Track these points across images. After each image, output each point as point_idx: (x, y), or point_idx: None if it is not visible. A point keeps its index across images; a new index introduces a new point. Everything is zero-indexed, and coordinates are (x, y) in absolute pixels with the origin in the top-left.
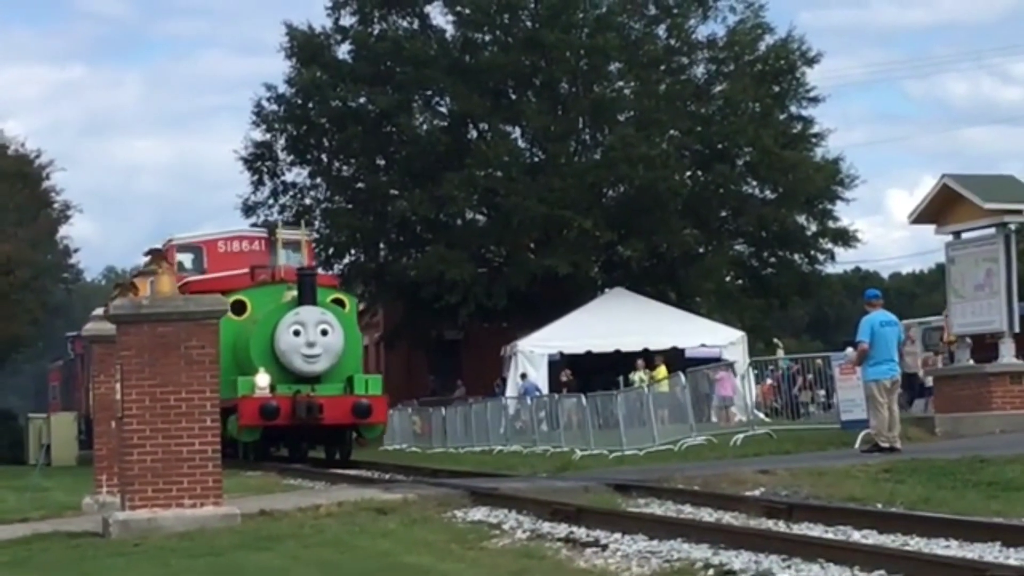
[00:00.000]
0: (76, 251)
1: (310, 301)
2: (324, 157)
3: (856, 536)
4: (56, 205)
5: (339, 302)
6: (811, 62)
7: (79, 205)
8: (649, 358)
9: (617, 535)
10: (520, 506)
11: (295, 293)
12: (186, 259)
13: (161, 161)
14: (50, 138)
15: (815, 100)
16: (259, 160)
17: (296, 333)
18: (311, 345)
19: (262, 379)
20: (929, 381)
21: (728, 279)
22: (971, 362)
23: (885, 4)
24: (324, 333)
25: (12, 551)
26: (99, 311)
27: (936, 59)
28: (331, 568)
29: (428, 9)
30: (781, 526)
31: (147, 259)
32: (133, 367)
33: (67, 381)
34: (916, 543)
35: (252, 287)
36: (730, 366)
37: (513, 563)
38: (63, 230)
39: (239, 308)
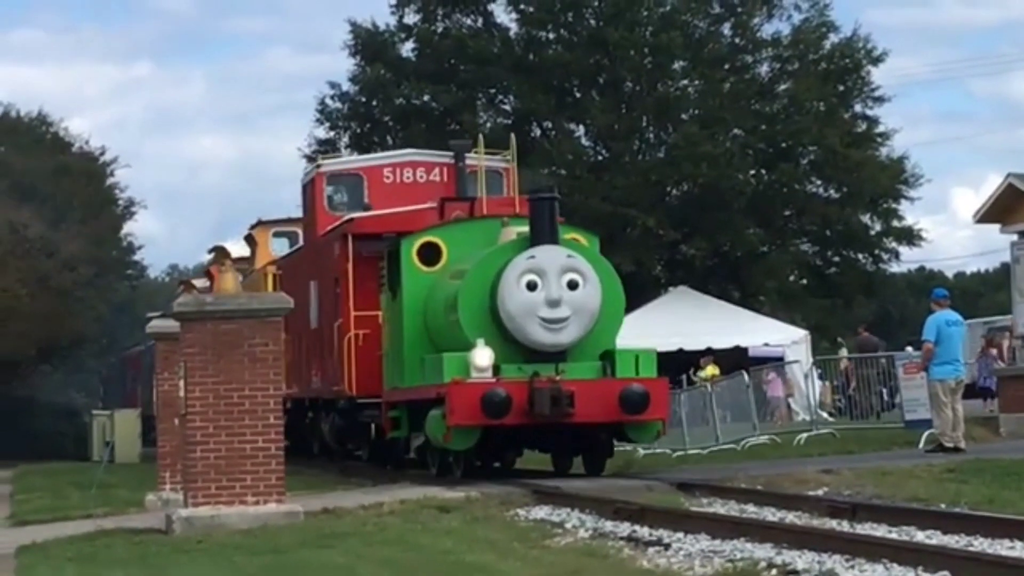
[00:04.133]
0: (140, 248)
1: (550, 239)
2: None
3: (920, 536)
4: (120, 202)
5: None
6: (876, 61)
7: (143, 202)
8: (717, 357)
9: (680, 534)
10: (582, 505)
11: (518, 231)
12: (339, 192)
13: (225, 158)
14: (115, 135)
15: (880, 99)
16: (323, 157)
17: (531, 286)
18: (555, 304)
19: (481, 356)
20: None
21: (792, 278)
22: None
23: (953, 3)
24: (573, 286)
25: (77, 547)
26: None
27: (1003, 58)
28: (394, 566)
29: (492, 7)
30: (844, 526)
31: (211, 256)
32: (197, 364)
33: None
34: (980, 544)
35: (447, 225)
36: (781, 367)
37: (575, 562)
38: (127, 227)
39: (430, 255)
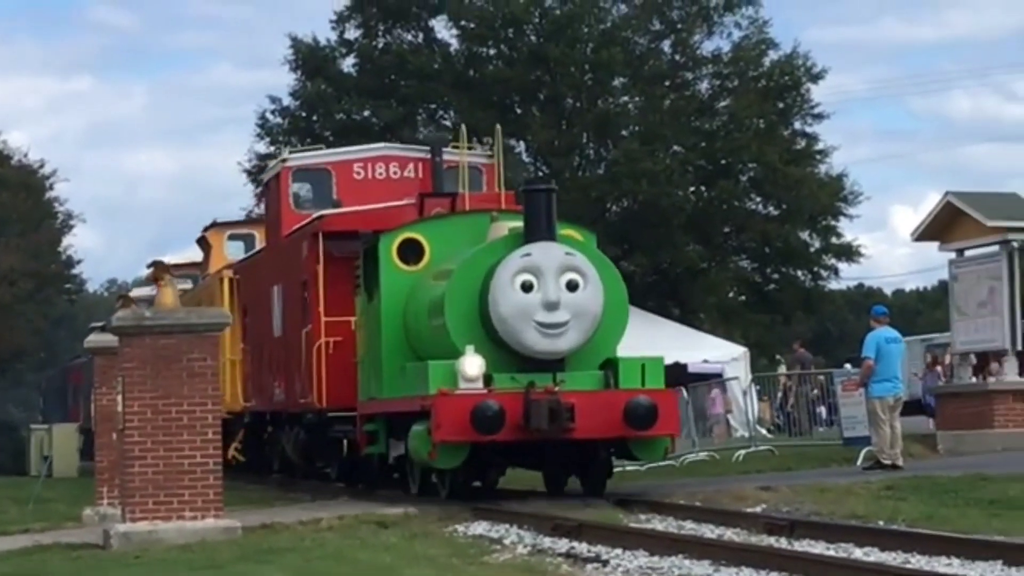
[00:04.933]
0: (79, 262)
1: (547, 235)
2: None
3: (858, 553)
4: (59, 216)
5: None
6: (816, 78)
7: (82, 215)
8: None
9: (618, 551)
10: (521, 521)
11: (510, 226)
12: (304, 188)
13: (165, 173)
14: (54, 149)
15: (820, 116)
16: (263, 172)
17: (527, 287)
18: (552, 307)
19: (471, 365)
20: None
21: (731, 295)
22: (973, 379)
23: (892, 21)
24: (572, 287)
25: (13, 562)
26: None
27: (942, 76)
28: None
29: (432, 23)
30: (783, 543)
31: (150, 271)
32: (135, 379)
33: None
34: (918, 561)
35: (429, 220)
36: (720, 384)
37: None
38: (66, 241)
39: (411, 253)
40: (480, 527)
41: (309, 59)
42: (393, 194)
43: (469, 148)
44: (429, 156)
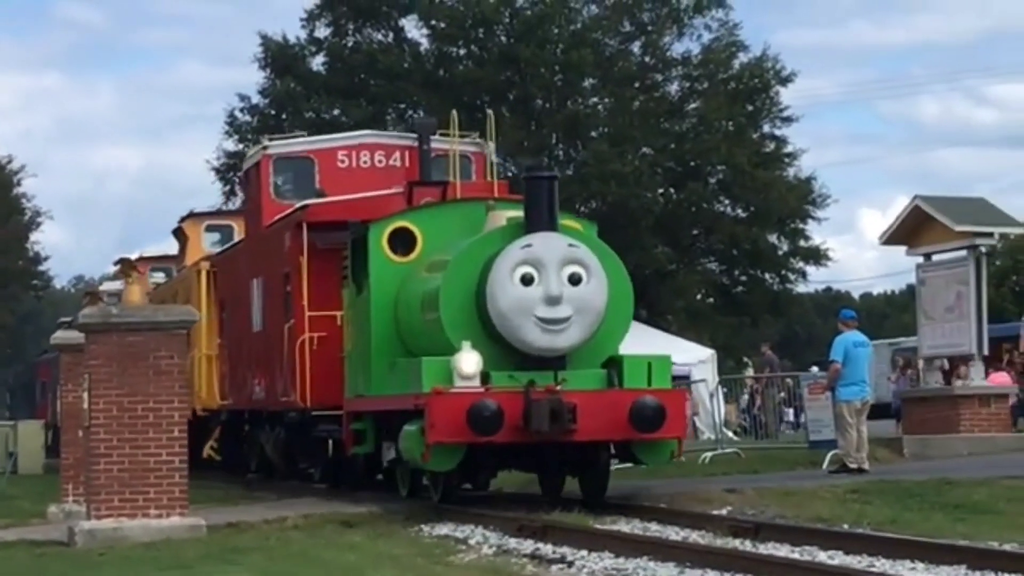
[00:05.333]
0: (46, 258)
1: (549, 225)
2: None
3: (822, 557)
4: (27, 212)
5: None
6: (785, 81)
7: (49, 212)
8: None
9: (583, 552)
10: (486, 521)
11: (508, 216)
12: (285, 178)
13: (133, 170)
14: (22, 145)
15: (789, 119)
16: (231, 170)
17: (527, 280)
18: (554, 301)
19: (468, 362)
20: None
21: (699, 297)
22: (939, 384)
23: (863, 24)
24: (576, 280)
25: None
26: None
27: (912, 80)
28: None
29: (403, 23)
30: (748, 546)
31: (117, 268)
32: (101, 376)
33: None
34: (882, 565)
35: (422, 209)
36: (687, 386)
37: None
38: (33, 237)
39: (403, 243)
40: (445, 527)
41: (279, 57)
42: (378, 183)
43: (462, 136)
44: (416, 144)
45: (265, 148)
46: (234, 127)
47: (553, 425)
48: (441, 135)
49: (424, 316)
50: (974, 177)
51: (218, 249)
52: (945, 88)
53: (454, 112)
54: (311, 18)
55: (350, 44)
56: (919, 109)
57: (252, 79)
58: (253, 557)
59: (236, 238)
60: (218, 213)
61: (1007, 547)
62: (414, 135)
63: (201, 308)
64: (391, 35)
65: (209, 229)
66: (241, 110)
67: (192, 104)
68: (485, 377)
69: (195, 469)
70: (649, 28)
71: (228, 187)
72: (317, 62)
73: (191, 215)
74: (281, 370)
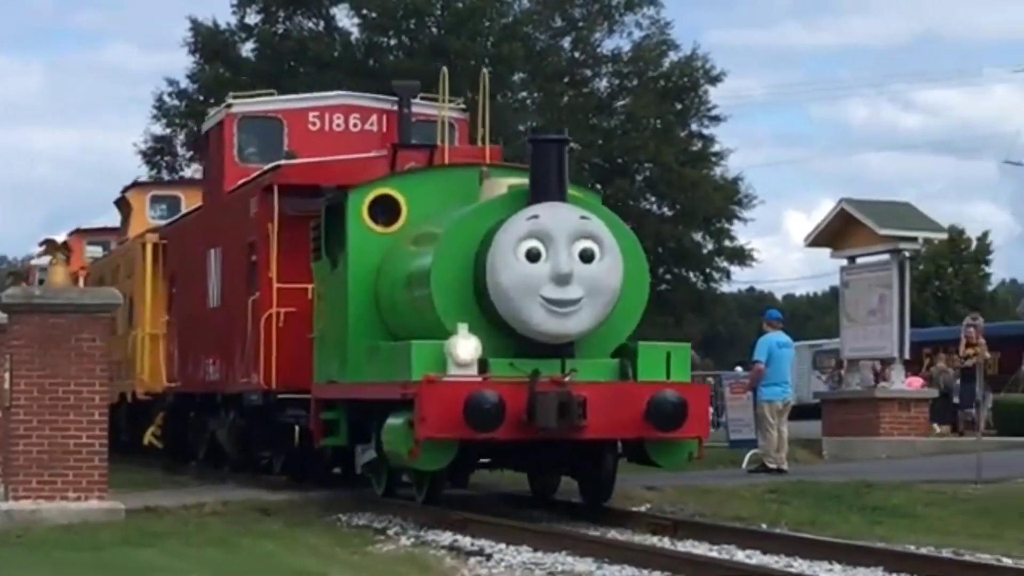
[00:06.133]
0: None
1: (558, 195)
2: None
3: (740, 556)
4: None
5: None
6: (714, 80)
7: None
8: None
9: (502, 545)
10: (406, 513)
11: (510, 183)
12: (250, 140)
13: (62, 152)
14: None
15: (717, 119)
16: (158, 155)
17: (533, 256)
18: (564, 280)
19: (465, 347)
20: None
21: None
22: (859, 387)
23: (794, 26)
24: (588, 257)
25: None
26: None
27: (840, 83)
28: (214, 568)
29: (334, 11)
30: (666, 543)
31: (42, 249)
32: (23, 357)
33: None
34: (800, 565)
35: (408, 174)
36: None
37: (397, 569)
38: None
39: (386, 212)
40: (364, 517)
41: (208, 42)
42: (353, 149)
43: (451, 102)
44: (395, 108)
45: (229, 106)
46: (162, 111)
47: (561, 421)
48: (423, 99)
49: (410, 294)
50: (900, 182)
51: (164, 221)
52: (873, 92)
53: (444, 69)
54: (242, 4)
55: (280, 31)
56: (847, 112)
57: (182, 64)
58: (169, 542)
59: (183, 210)
60: (165, 183)
61: (924, 550)
62: (393, 98)
63: (146, 283)
64: (321, 23)
65: (155, 200)
66: (169, 94)
67: (123, 87)
68: (483, 365)
69: (137, 456)
70: (580, 24)
71: (155, 171)
72: (247, 48)
73: (136, 184)
74: (242, 349)
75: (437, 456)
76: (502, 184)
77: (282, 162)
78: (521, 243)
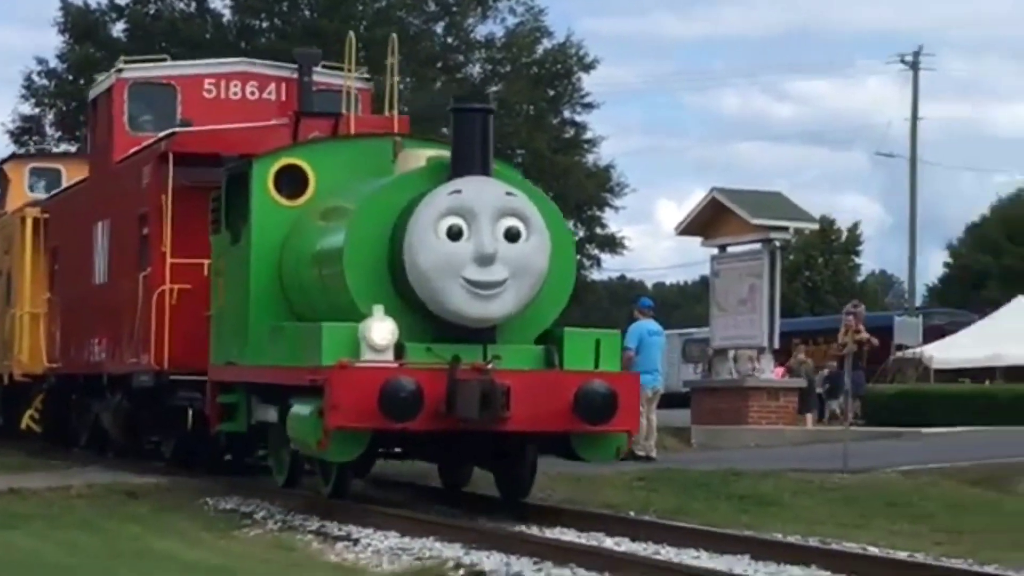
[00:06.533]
0: None
1: (482, 168)
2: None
3: (608, 543)
4: None
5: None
6: (588, 68)
7: None
8: None
9: (369, 530)
10: (273, 497)
11: (429, 155)
12: (142, 107)
13: None
14: None
15: (590, 106)
16: (26, 134)
17: (455, 234)
18: (487, 260)
19: (380, 330)
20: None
21: None
22: (729, 375)
23: (667, 15)
24: (513, 236)
25: None
26: None
27: (713, 73)
28: (79, 550)
29: None
30: (534, 529)
31: None
32: None
33: None
34: (667, 552)
35: (316, 143)
36: None
37: (263, 553)
38: None
39: (292, 183)
40: (232, 502)
41: (79, 22)
42: (251, 118)
43: (336, 68)
44: (295, 76)
45: (120, 71)
46: (31, 91)
47: (483, 412)
48: (324, 67)
49: (319, 272)
50: (772, 172)
51: (44, 195)
52: (746, 82)
53: (351, 34)
54: None
55: (152, 12)
56: (720, 102)
57: (52, 43)
58: (35, 524)
59: (64, 183)
60: (46, 156)
61: (791, 539)
62: (293, 66)
63: (26, 259)
64: (193, 4)
65: (35, 172)
66: (39, 74)
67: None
68: (399, 350)
69: (14, 440)
70: (454, 9)
71: (23, 150)
72: (118, 29)
73: (13, 156)
74: (131, 328)
75: (348, 447)
76: (419, 156)
77: (177, 129)
78: (442, 220)
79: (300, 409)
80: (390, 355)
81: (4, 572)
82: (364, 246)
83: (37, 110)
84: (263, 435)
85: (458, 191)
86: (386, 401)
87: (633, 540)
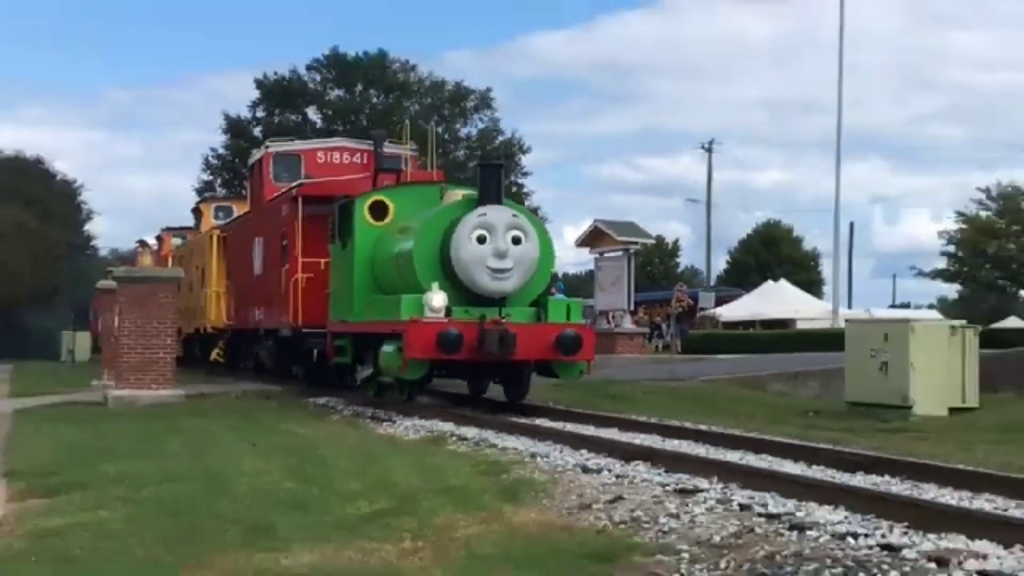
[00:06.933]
0: (94, 239)
1: (496, 199)
2: None
3: (540, 422)
4: (83, 210)
5: None
6: (524, 152)
7: (98, 212)
8: None
9: (402, 416)
10: (347, 397)
11: (463, 193)
12: (281, 169)
13: (154, 185)
14: (86, 170)
15: (527, 173)
16: (205, 190)
17: (481, 240)
18: (501, 256)
19: (437, 298)
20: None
21: None
22: (607, 325)
23: (571, 123)
24: (517, 241)
25: (48, 411)
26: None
27: (598, 154)
28: (237, 429)
29: (307, 110)
30: (512, 417)
31: (137, 244)
32: (125, 307)
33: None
34: (570, 427)
35: (393, 187)
36: None
37: (341, 430)
38: (88, 227)
39: (379, 211)
40: (322, 400)
41: (234, 126)
42: (346, 174)
43: (411, 146)
44: (371, 148)
45: (267, 147)
46: (208, 166)
47: (500, 348)
48: (389, 143)
49: (397, 265)
50: (629, 210)
51: (223, 222)
52: (615, 159)
53: (407, 122)
54: (253, 105)
55: (276, 121)
56: (601, 170)
57: (219, 139)
58: (211, 414)
59: (234, 215)
60: (222, 198)
61: (641, 418)
62: (371, 141)
63: (212, 261)
64: (300, 116)
65: (217, 208)
66: (213, 157)
67: (193, 151)
68: (448, 311)
69: (206, 367)
70: (448, 118)
71: (201, 200)
72: (256, 131)
73: (204, 199)
74: (278, 300)
75: (417, 370)
76: (456, 194)
77: (302, 181)
78: (473, 231)
79: (387, 347)
80: (443, 314)
81: (196, 439)
82: (425, 248)
83: (211, 177)
84: (361, 365)
85: (483, 214)
86: (441, 342)
87: (552, 420)
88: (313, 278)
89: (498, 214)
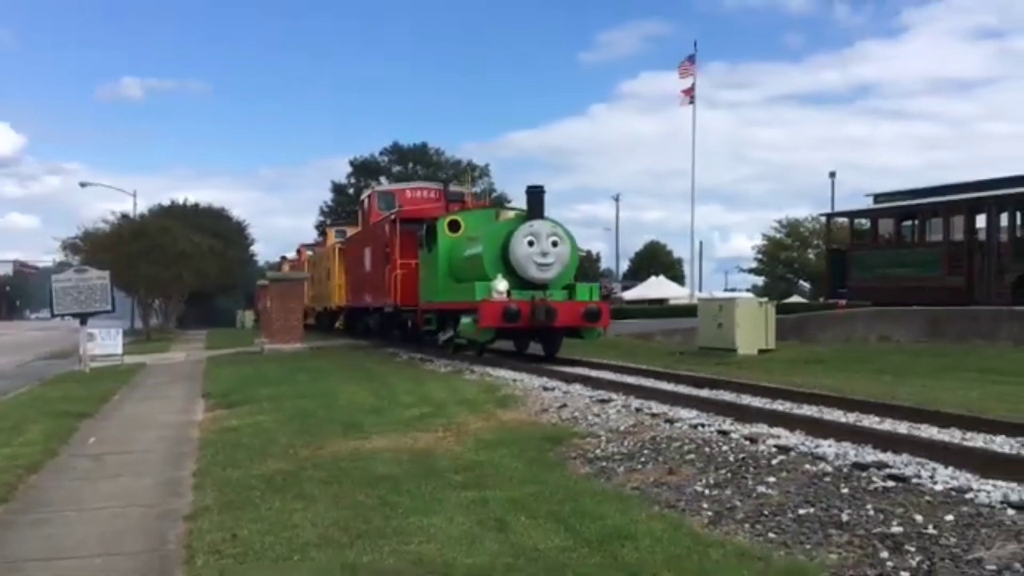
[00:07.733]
0: (255, 255)
1: (540, 215)
2: None
3: (566, 369)
4: (248, 238)
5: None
6: (508, 202)
7: (257, 239)
8: None
9: (480, 367)
10: (443, 354)
11: (514, 213)
12: (384, 202)
13: (293, 222)
14: (249, 210)
15: None
16: (325, 221)
17: (530, 243)
18: (544, 254)
19: (501, 284)
20: None
21: None
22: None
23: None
24: (555, 244)
25: (230, 357)
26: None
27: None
28: (345, 371)
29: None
30: (546, 365)
31: (281, 259)
32: (274, 296)
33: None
34: (535, 366)
35: (463, 211)
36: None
37: (402, 366)
38: (252, 248)
39: (454, 227)
40: (419, 355)
41: (337, 189)
42: (427, 204)
43: (468, 183)
44: (442, 187)
45: (372, 188)
46: (322, 213)
47: (546, 318)
48: (454, 184)
49: (468, 262)
50: (577, 235)
51: (341, 239)
52: (566, 208)
53: (469, 166)
54: (348, 176)
55: (361, 186)
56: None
57: (328, 196)
58: (328, 359)
59: (349, 234)
60: (340, 223)
61: (577, 358)
62: (441, 183)
63: (335, 265)
64: (387, 165)
65: (337, 231)
66: (328, 206)
67: (319, 192)
68: (509, 293)
69: (330, 332)
70: (454, 181)
71: (327, 225)
72: (350, 191)
73: (327, 225)
74: (382, 287)
75: (487, 335)
76: (508, 213)
77: (397, 209)
78: (525, 238)
79: (466, 319)
80: (505, 296)
81: (315, 373)
82: (491, 251)
83: (323, 219)
84: (443, 332)
85: (532, 225)
86: (505, 314)
87: (574, 366)
88: (406, 274)
89: (542, 225)
